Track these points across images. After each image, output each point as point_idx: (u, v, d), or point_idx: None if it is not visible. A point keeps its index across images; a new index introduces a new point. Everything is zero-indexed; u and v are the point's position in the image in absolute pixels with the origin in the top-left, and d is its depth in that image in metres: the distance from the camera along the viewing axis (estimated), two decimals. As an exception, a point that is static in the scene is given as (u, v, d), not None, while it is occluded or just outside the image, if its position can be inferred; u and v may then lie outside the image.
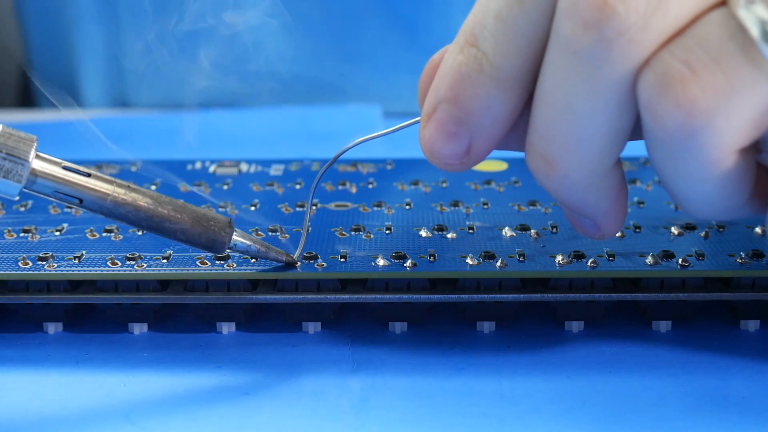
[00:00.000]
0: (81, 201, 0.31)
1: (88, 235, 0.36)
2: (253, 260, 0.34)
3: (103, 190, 0.31)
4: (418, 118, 0.32)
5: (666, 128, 0.28)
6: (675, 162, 0.29)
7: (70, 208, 0.38)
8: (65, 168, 0.31)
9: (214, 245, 0.33)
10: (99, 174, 0.32)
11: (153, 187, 0.41)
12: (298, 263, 0.34)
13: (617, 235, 0.36)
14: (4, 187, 0.30)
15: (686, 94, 0.28)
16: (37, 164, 0.31)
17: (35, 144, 0.31)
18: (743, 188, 0.29)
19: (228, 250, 0.33)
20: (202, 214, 0.32)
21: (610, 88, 0.28)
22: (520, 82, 0.30)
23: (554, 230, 0.36)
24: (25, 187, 0.31)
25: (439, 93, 0.31)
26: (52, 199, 0.31)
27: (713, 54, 0.28)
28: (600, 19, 0.28)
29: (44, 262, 0.34)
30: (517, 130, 0.31)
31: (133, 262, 0.34)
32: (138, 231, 0.36)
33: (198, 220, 0.32)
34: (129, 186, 0.32)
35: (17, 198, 0.31)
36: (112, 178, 0.32)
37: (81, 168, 0.31)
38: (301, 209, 0.39)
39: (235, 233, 0.33)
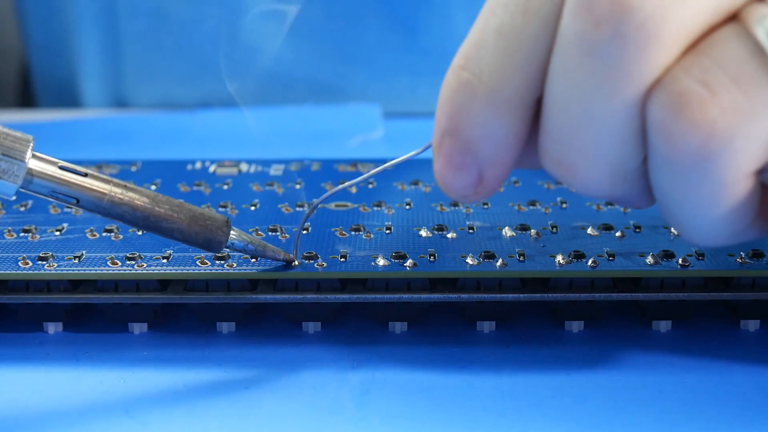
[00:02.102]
0: (78, 201, 0.31)
1: (88, 235, 0.36)
2: (253, 260, 0.34)
3: (99, 189, 0.31)
4: (429, 143, 0.30)
5: (681, 151, 0.27)
6: (685, 186, 0.27)
7: (70, 208, 0.38)
8: (62, 168, 0.31)
9: (212, 244, 0.33)
10: (96, 173, 0.32)
11: (153, 187, 0.41)
12: (297, 262, 0.34)
13: (617, 234, 0.36)
14: (1, 187, 0.30)
15: (705, 116, 0.26)
16: (33, 164, 0.31)
17: (32, 144, 0.31)
18: (750, 210, 0.28)
19: (226, 249, 0.33)
20: (199, 213, 0.32)
21: (630, 87, 0.27)
22: (520, 102, 0.28)
23: (554, 230, 0.36)
24: (21, 187, 0.31)
25: (441, 125, 0.29)
26: (49, 199, 0.31)
27: (732, 74, 0.26)
28: (614, 12, 0.26)
29: (44, 262, 0.34)
30: (534, 147, 0.29)
31: (133, 262, 0.34)
32: (138, 231, 0.36)
33: (195, 219, 0.32)
34: (126, 185, 0.32)
35: (14, 198, 0.31)
36: (110, 178, 0.32)
37: (78, 168, 0.31)
38: (301, 209, 0.39)
39: (232, 232, 0.33)
